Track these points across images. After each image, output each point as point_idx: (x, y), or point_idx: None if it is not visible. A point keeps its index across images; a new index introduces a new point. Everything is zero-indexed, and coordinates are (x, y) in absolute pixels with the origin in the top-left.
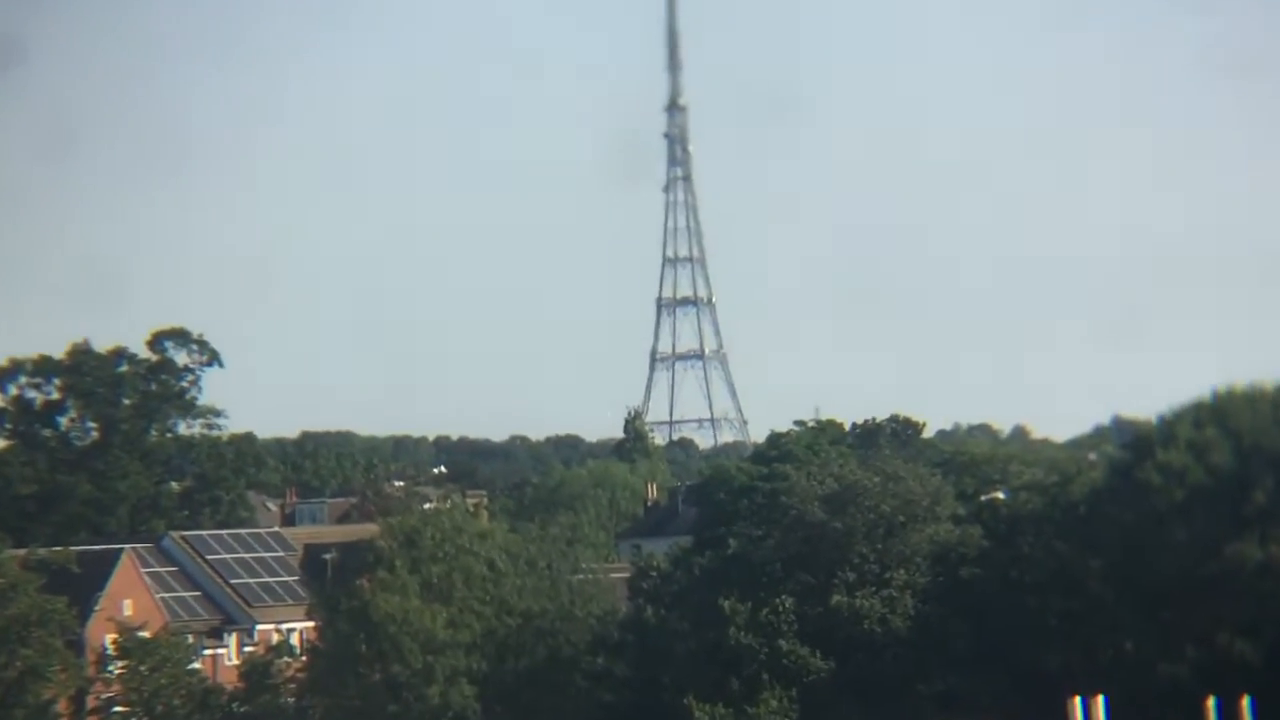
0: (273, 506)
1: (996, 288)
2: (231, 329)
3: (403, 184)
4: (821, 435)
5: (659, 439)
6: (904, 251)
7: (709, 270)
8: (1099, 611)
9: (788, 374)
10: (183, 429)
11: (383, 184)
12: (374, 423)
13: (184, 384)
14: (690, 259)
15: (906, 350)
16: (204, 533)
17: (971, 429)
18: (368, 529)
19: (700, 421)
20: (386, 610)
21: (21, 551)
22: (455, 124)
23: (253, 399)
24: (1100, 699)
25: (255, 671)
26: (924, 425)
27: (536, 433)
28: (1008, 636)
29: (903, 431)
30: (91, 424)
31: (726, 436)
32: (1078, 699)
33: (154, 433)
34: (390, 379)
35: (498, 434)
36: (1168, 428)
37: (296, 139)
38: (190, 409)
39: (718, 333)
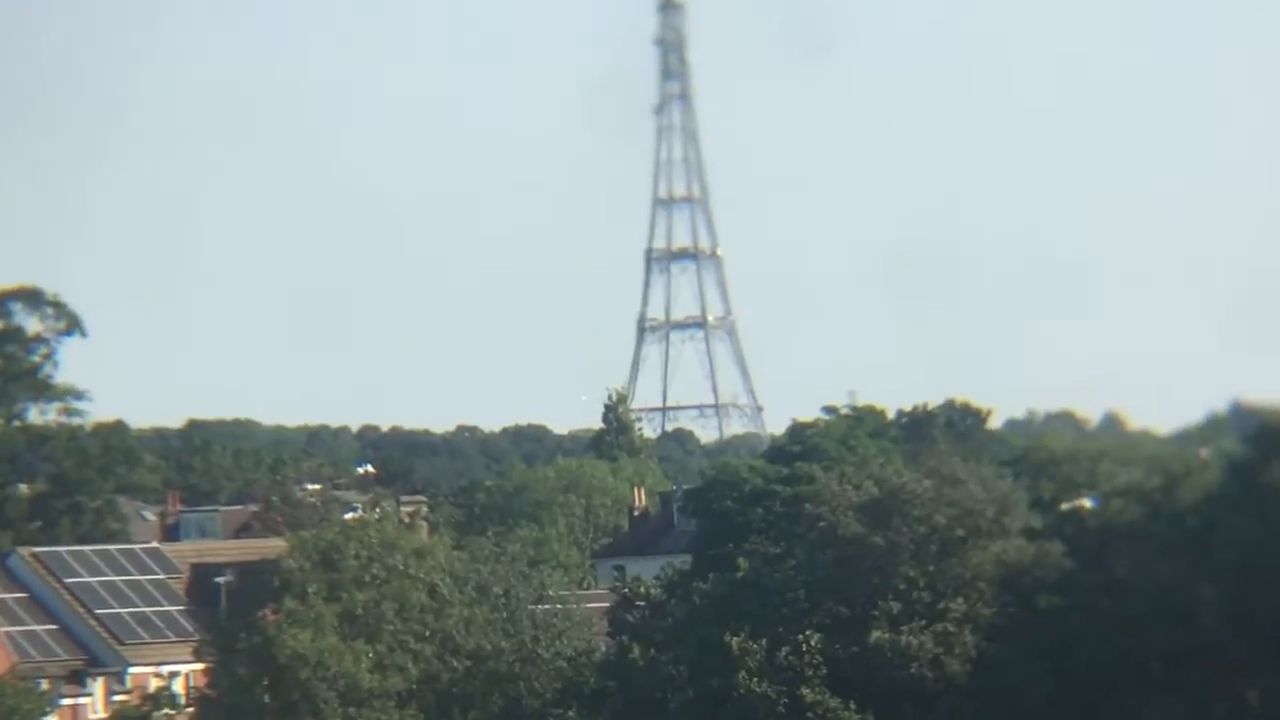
0: (150, 516)
1: (1080, 242)
2: (98, 292)
3: (318, 125)
4: (858, 426)
5: (648, 431)
6: (963, 197)
7: (713, 215)
8: (1214, 653)
9: (814, 348)
10: (34, 415)
11: (298, 127)
12: (282, 410)
13: (36, 358)
14: (689, 200)
15: (966, 319)
16: (62, 549)
17: (1050, 418)
18: (272, 545)
19: (701, 408)
20: (296, 649)
21: None
22: (385, 44)
23: (125, 378)
24: None
25: None
26: (989, 413)
27: (490, 423)
28: (1096, 684)
29: (961, 422)
30: None
31: (735, 427)
32: None
33: None
34: (303, 355)
35: (440, 424)
36: None
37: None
38: (44, 390)
39: (724, 295)
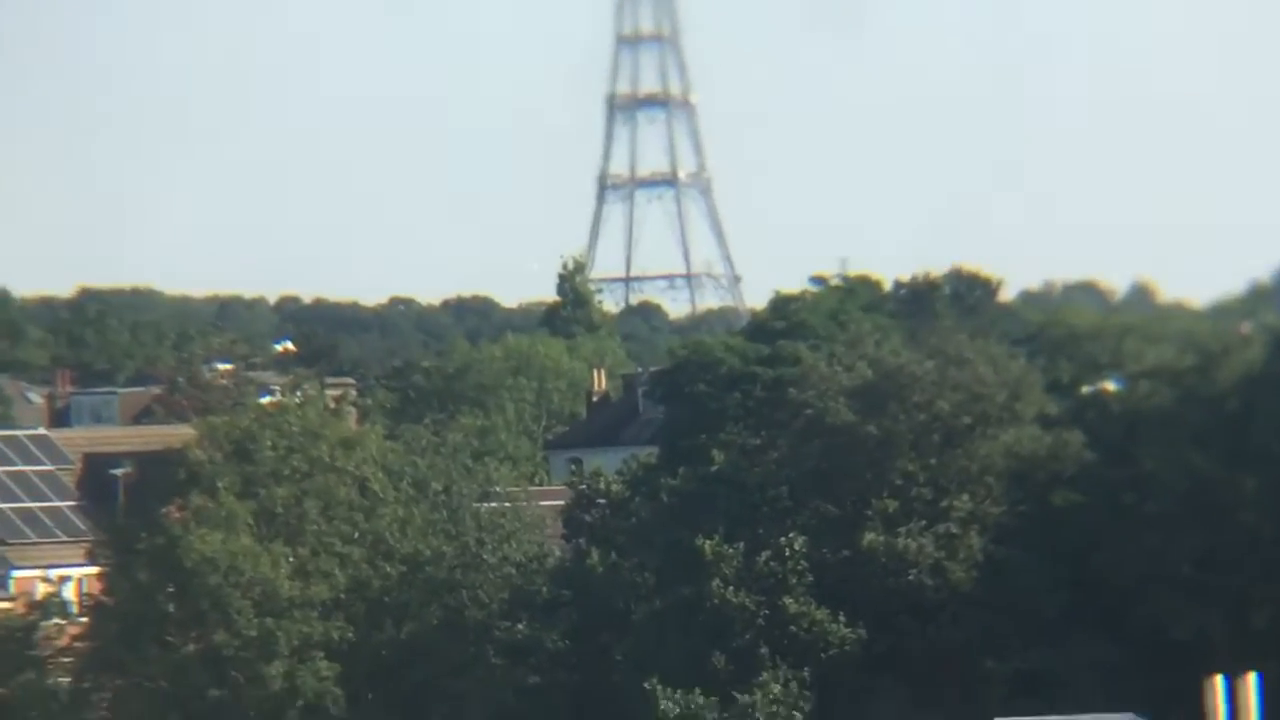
0: (37, 398)
1: (1096, 89)
2: None
3: None
4: (850, 299)
5: (610, 304)
6: (972, 33)
7: (684, 53)
8: (1252, 554)
9: (799, 209)
10: None
11: None
12: (188, 278)
13: None
14: (657, 38)
15: (973, 175)
16: None
17: (1070, 289)
18: (177, 433)
19: (671, 279)
20: (204, 552)
21: None
22: None
23: (7, 241)
24: (1252, 677)
25: (12, 639)
26: (1000, 284)
27: (428, 293)
28: (1120, 591)
29: (969, 294)
30: None
31: (710, 300)
32: (1219, 677)
33: None
34: (213, 215)
35: (371, 295)
36: None
37: None
38: None
39: (697, 147)
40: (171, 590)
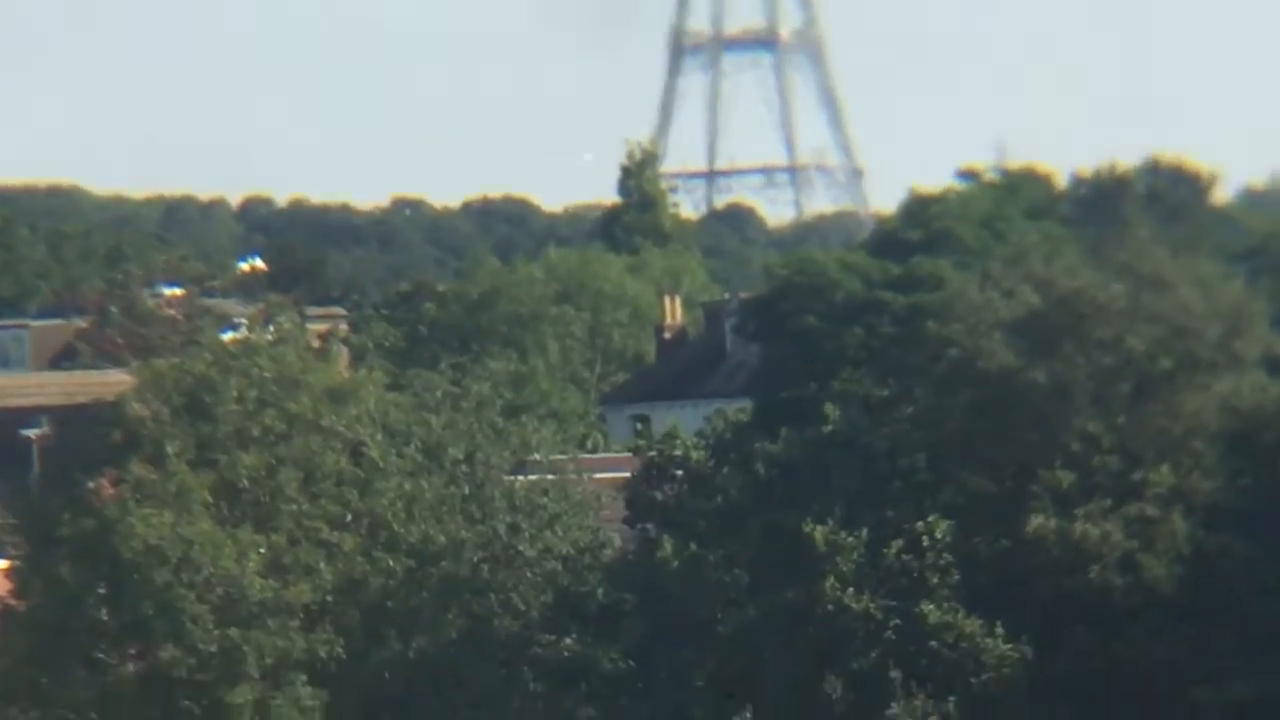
0: None
1: None
2: None
3: None
4: (1010, 199)
5: (687, 207)
6: None
7: None
8: None
9: (938, 81)
10: None
11: None
12: (122, 173)
13: None
14: None
15: (1176, 40)
16: None
17: None
18: (110, 380)
19: (769, 173)
20: (148, 539)
21: None
22: None
23: None
24: None
25: None
26: (1213, 179)
27: (443, 194)
28: None
29: (1171, 193)
30: None
31: (821, 202)
32: None
33: None
34: (157, 91)
35: (367, 195)
36: None
37: None
38: None
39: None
40: (104, 591)
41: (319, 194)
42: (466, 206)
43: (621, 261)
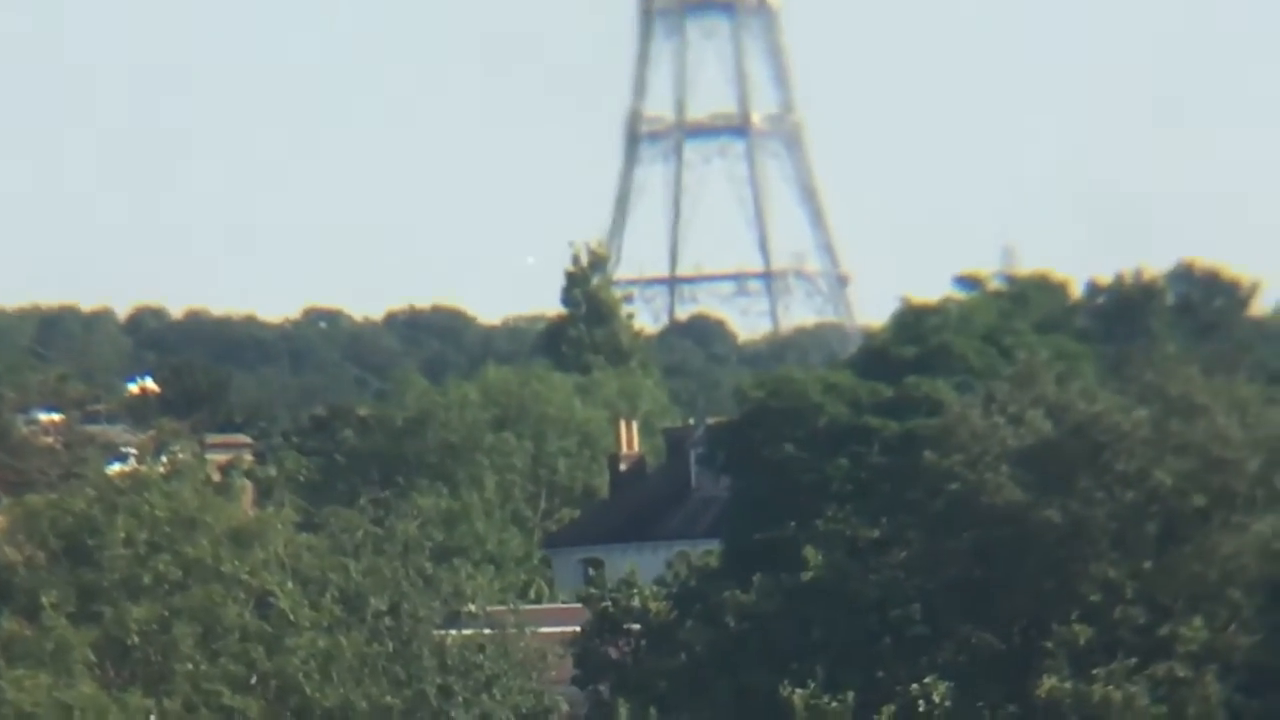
0: None
1: None
2: None
3: None
4: (1018, 310)
5: (645, 319)
6: None
7: None
8: None
9: (935, 170)
10: None
11: None
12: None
13: None
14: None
15: (1203, 128)
16: None
17: None
18: None
19: (741, 278)
20: (22, 705)
21: None
22: None
23: None
24: None
25: None
26: (1255, 288)
27: (366, 303)
28: None
29: (1204, 303)
30: None
31: (800, 312)
32: None
33: None
34: (34, 187)
35: (276, 305)
36: None
37: None
38: None
39: (780, 74)
40: None
41: (220, 304)
42: (390, 318)
43: (569, 381)
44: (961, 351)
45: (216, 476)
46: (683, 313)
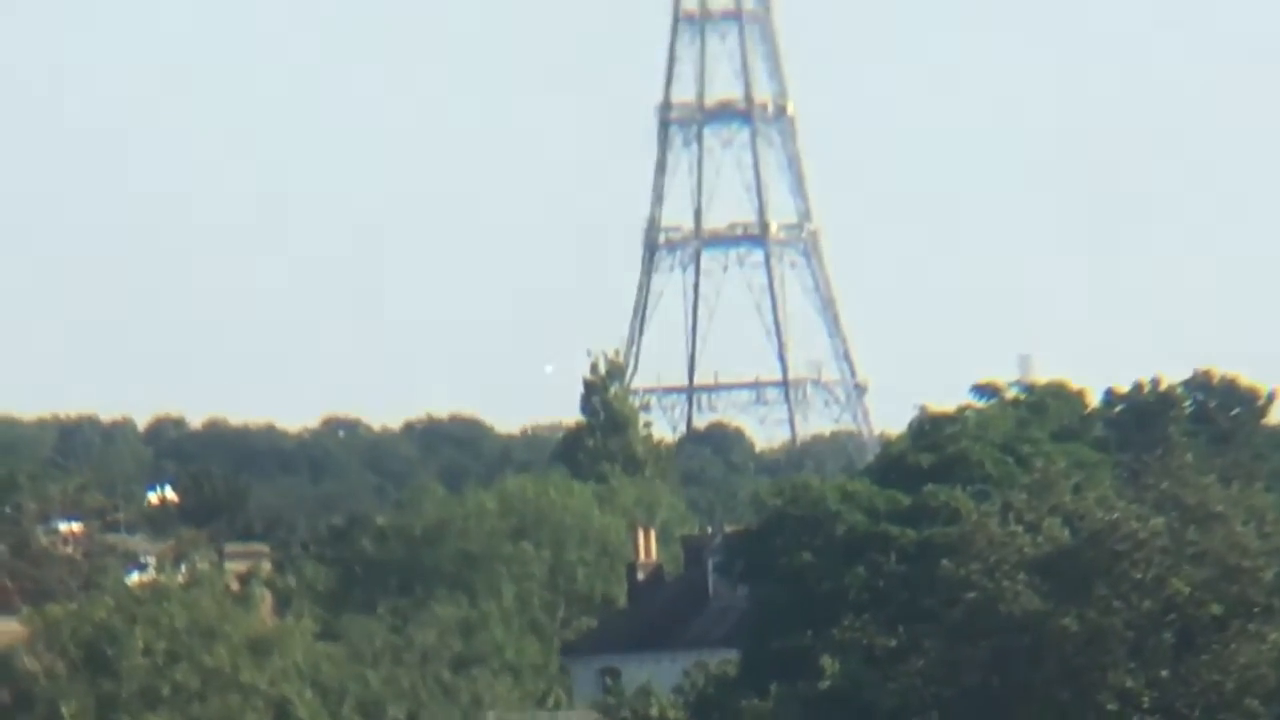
0: None
1: None
2: None
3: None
4: (1035, 419)
5: (662, 428)
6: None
7: (779, 48)
8: None
9: (950, 283)
10: None
11: None
12: (16, 392)
13: None
14: (736, 9)
15: (1227, 241)
16: None
17: None
18: None
19: (757, 388)
20: None
21: None
22: None
23: None
24: None
25: None
26: (1272, 397)
27: (382, 414)
28: None
29: (1221, 412)
30: None
31: (818, 421)
32: None
33: None
34: (55, 304)
35: (295, 415)
36: None
37: None
38: None
39: (798, 183)
40: None
41: (239, 414)
42: (409, 427)
43: (587, 490)
44: (979, 460)
45: (235, 586)
46: (701, 421)
